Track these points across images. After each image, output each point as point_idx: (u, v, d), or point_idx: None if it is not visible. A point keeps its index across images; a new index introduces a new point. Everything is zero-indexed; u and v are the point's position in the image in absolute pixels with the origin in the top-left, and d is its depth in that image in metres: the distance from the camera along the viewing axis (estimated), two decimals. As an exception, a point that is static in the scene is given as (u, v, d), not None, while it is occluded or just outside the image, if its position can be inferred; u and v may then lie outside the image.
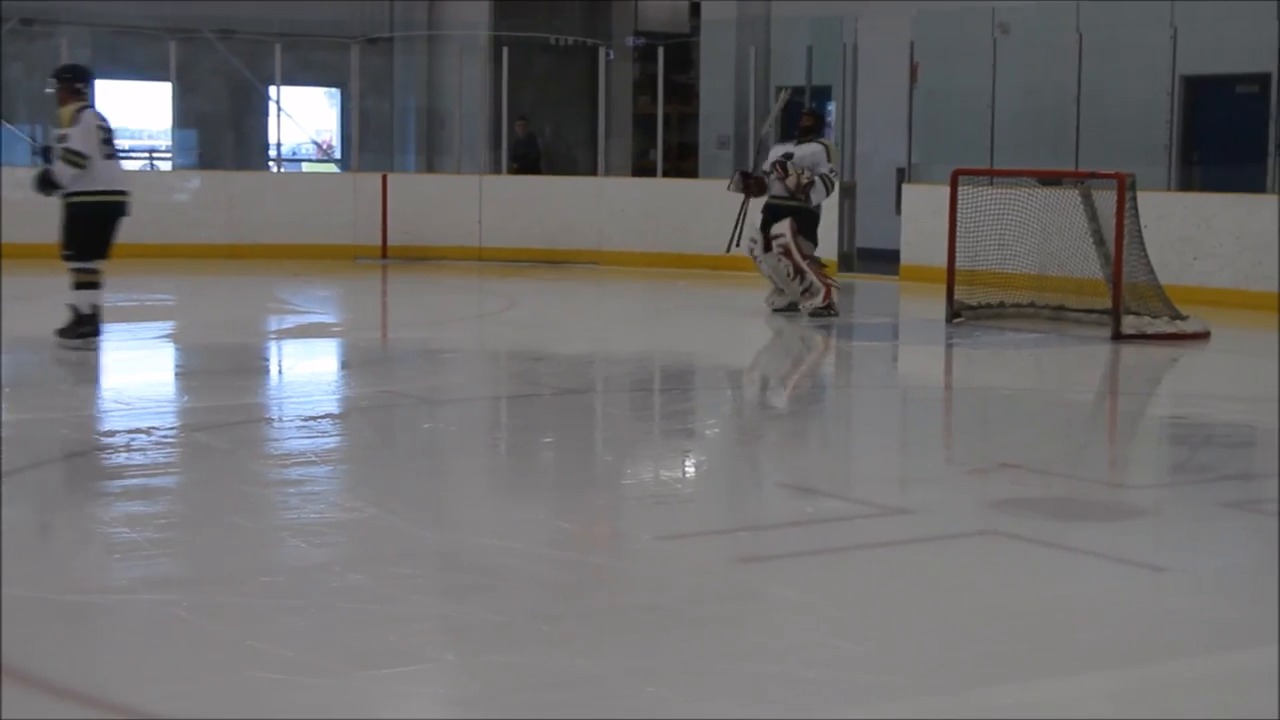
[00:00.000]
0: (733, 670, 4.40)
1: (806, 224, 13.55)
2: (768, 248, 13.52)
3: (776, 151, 13.78)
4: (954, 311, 13.31)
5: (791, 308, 13.69)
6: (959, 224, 13.43)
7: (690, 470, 7.81)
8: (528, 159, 21.69)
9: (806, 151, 13.52)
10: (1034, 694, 4.26)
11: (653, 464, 7.91)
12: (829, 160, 13.55)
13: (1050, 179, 13.78)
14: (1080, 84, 16.86)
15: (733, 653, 4.59)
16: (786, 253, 13.40)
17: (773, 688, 4.25)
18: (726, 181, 14.27)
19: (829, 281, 13.58)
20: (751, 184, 13.83)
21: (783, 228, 13.41)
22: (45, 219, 18.20)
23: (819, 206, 13.71)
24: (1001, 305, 13.47)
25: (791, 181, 13.39)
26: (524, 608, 5.00)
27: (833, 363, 12.33)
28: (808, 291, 13.51)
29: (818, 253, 13.83)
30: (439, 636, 4.75)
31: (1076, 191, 13.14)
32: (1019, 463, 7.47)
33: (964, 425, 9.51)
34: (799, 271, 13.46)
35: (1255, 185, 15.88)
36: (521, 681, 4.29)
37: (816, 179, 13.43)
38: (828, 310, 13.49)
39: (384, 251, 19.46)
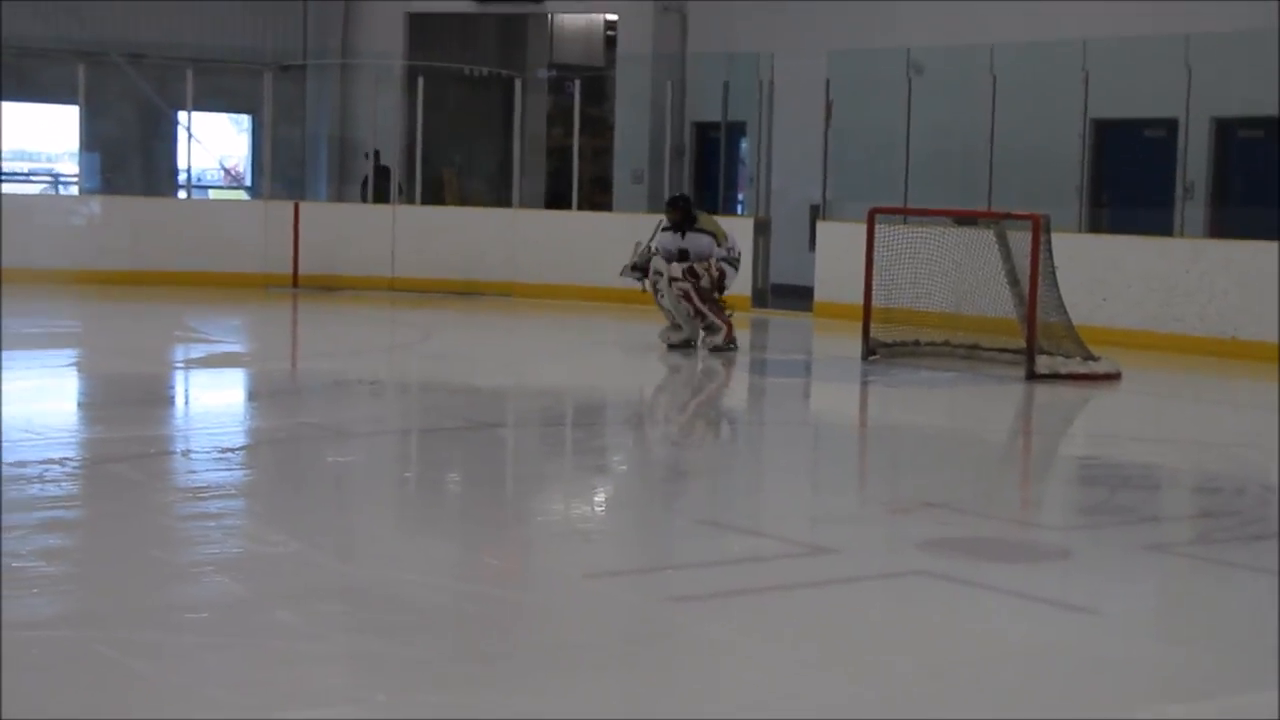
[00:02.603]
0: (676, 712, 4.36)
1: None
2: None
3: (665, 241, 13.70)
4: (869, 349, 13.36)
5: (687, 344, 13.70)
6: (874, 262, 13.49)
7: (608, 507, 7.76)
8: (378, 190, 21.46)
9: (698, 245, 13.57)
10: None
11: (570, 500, 7.86)
12: (720, 244, 13.60)
13: (965, 219, 13.88)
14: (993, 125, 17.03)
15: (673, 695, 4.55)
16: (686, 297, 13.47)
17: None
18: (631, 252, 13.96)
19: (728, 318, 13.63)
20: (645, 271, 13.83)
21: (681, 275, 13.42)
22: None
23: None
24: (916, 344, 13.52)
25: (706, 282, 13.49)
26: (454, 646, 4.93)
27: (746, 399, 12.34)
28: (710, 329, 13.56)
29: (730, 289, 13.89)
30: (369, 676, 4.66)
31: (991, 231, 13.23)
32: (942, 502, 7.49)
33: (880, 463, 9.52)
34: (699, 313, 13.53)
35: (1163, 228, 16.10)
36: (457, 723, 4.22)
37: (725, 266, 13.56)
38: (728, 346, 13.56)
39: (295, 280, 19.27)
